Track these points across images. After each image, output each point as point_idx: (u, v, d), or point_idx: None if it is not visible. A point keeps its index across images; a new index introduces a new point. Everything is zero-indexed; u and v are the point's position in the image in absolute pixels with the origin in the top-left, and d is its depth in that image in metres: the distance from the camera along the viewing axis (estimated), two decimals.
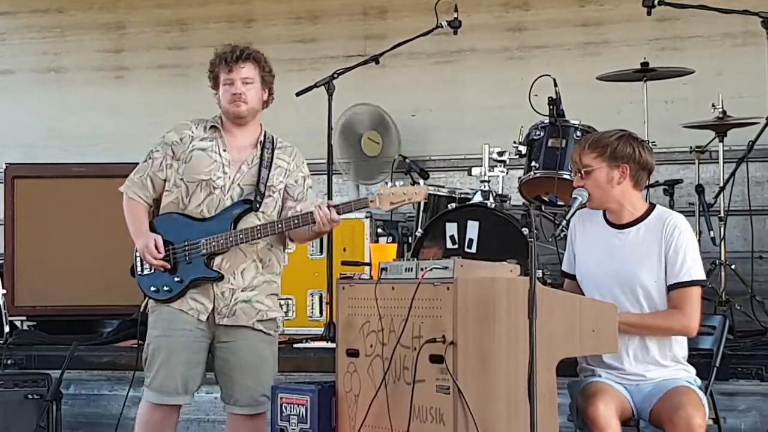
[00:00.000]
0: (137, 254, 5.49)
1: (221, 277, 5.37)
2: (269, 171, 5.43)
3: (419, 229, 7.28)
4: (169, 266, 5.39)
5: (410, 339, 4.82)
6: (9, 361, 7.26)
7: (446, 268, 4.77)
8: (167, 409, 5.42)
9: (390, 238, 7.93)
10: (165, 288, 5.42)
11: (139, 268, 5.51)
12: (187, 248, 5.39)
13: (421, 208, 7.46)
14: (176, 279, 5.40)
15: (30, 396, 6.65)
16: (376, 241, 7.76)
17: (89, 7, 10.03)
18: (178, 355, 5.37)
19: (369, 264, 6.22)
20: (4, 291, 7.62)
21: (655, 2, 7.10)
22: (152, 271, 5.44)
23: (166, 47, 9.78)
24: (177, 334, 5.38)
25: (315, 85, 7.39)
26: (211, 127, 5.50)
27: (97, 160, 8.76)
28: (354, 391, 5.11)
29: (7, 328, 7.59)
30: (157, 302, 5.47)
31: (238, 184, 5.41)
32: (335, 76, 7.39)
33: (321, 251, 7.98)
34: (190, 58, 9.71)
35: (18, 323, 8.18)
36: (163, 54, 9.77)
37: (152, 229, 5.47)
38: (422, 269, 4.82)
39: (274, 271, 5.51)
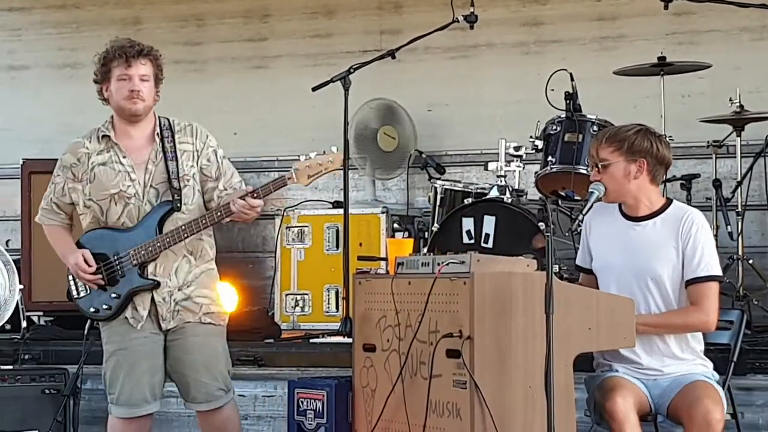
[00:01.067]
0: (70, 276, 5.39)
1: (157, 285, 5.26)
2: (176, 162, 5.28)
3: (435, 224, 7.27)
4: (102, 282, 5.29)
5: (427, 334, 4.82)
6: (26, 356, 7.26)
7: (463, 262, 4.77)
8: (139, 420, 5.34)
9: (406, 233, 7.93)
10: (104, 306, 5.33)
11: (74, 291, 5.41)
12: (117, 261, 5.28)
13: (438, 203, 7.46)
14: (113, 295, 5.30)
15: (47, 391, 6.65)
16: (393, 236, 7.77)
17: (105, 2, 10.02)
18: (140, 364, 5.29)
19: (385, 259, 6.22)
20: (21, 286, 7.62)
21: None
22: (88, 291, 5.35)
23: (182, 43, 9.77)
24: (133, 344, 5.29)
25: (331, 80, 7.38)
26: (104, 136, 5.36)
27: None
28: (371, 385, 5.11)
29: (24, 324, 7.59)
30: (102, 321, 5.38)
31: (151, 186, 5.28)
32: (351, 71, 7.37)
33: (337, 246, 7.99)
34: (205, 53, 9.71)
35: (35, 318, 8.20)
36: (179, 49, 9.75)
37: (80, 247, 5.35)
38: (439, 264, 4.82)
39: (207, 259, 5.40)
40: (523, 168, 7.25)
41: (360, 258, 6.43)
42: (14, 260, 7.70)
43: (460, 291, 4.69)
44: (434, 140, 9.10)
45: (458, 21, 7.53)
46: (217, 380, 5.33)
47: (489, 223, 6.90)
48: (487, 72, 9.13)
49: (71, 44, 10.09)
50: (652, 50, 7.94)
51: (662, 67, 7.67)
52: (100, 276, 5.28)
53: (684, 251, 5.05)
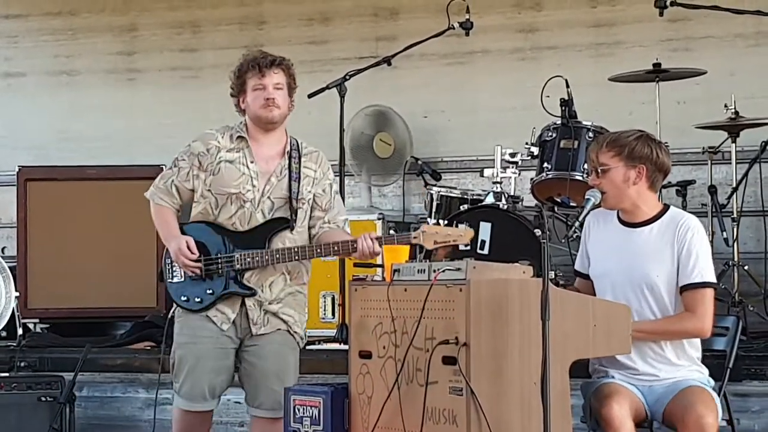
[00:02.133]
0: (168, 259, 5.48)
1: (254, 293, 5.39)
2: (299, 183, 5.43)
3: None
4: (199, 272, 5.38)
5: (423, 341, 4.81)
6: (22, 364, 7.27)
7: (459, 269, 4.77)
8: (198, 414, 5.48)
9: None
10: (196, 299, 5.43)
11: (168, 275, 5.50)
12: (220, 260, 5.39)
13: (434, 209, 7.46)
14: (208, 291, 5.41)
15: (43, 398, 6.66)
16: None
17: (101, 9, 10.04)
18: (204, 362, 5.41)
19: (381, 266, 6.22)
20: (17, 293, 7.63)
21: (668, 3, 7.09)
22: (183, 279, 5.44)
23: (178, 49, 9.79)
24: (202, 341, 5.41)
25: (327, 87, 7.39)
26: (238, 137, 5.48)
27: (110, 162, 8.77)
28: (367, 392, 5.10)
29: (20, 331, 7.59)
30: (184, 310, 5.48)
31: (268, 197, 5.42)
32: (347, 77, 7.38)
33: None
34: (202, 60, 9.72)
35: (31, 326, 8.20)
36: (175, 56, 9.78)
37: (183, 233, 5.46)
38: (435, 271, 4.82)
39: (301, 282, 5.53)
40: (519, 174, 7.24)
41: (356, 265, 6.44)
42: (10, 267, 7.71)
43: (456, 298, 4.69)
44: (430, 147, 9.11)
45: (454, 28, 7.54)
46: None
47: (485, 230, 6.89)
48: (482, 78, 9.14)
49: (67, 51, 10.10)
50: (647, 57, 7.95)
51: (657, 73, 7.68)
52: (199, 265, 5.37)
53: (680, 256, 5.05)
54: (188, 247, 5.36)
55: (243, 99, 5.49)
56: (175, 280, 5.47)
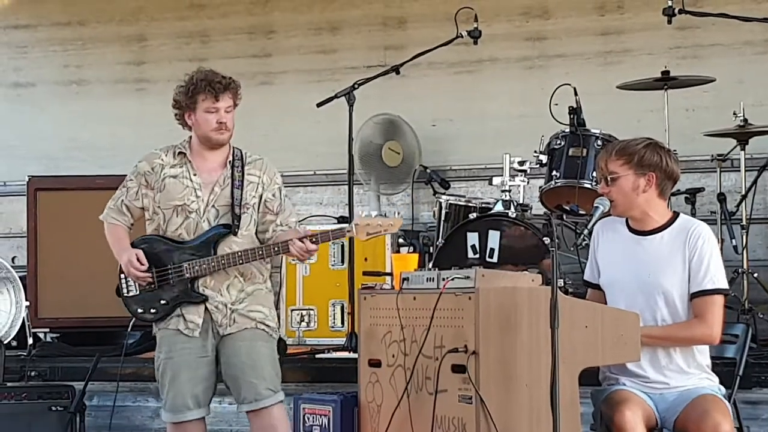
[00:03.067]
0: (122, 274, 5.64)
1: (205, 299, 5.52)
2: (242, 190, 5.58)
3: (440, 239, 7.28)
4: (150, 281, 5.54)
5: (432, 349, 4.82)
6: (33, 373, 7.29)
7: (468, 277, 4.77)
8: (186, 425, 5.57)
9: (411, 248, 7.92)
10: (151, 310, 5.60)
11: (124, 289, 5.66)
12: (170, 271, 5.54)
13: (443, 217, 7.47)
14: (162, 301, 5.57)
15: (54, 408, 6.67)
16: (398, 251, 7.76)
17: (110, 19, 10.07)
18: (181, 374, 5.53)
19: (390, 274, 6.23)
20: (27, 303, 7.65)
21: (676, 11, 7.09)
22: (138, 292, 5.61)
23: (187, 59, 9.79)
24: (178, 354, 5.55)
25: (336, 96, 7.39)
26: (179, 153, 5.66)
27: (119, 172, 8.67)
28: (376, 401, 5.11)
29: (30, 340, 7.61)
30: (149, 323, 5.66)
31: (213, 206, 5.58)
32: (356, 86, 7.38)
33: (342, 262, 8.00)
34: None
35: (41, 335, 8.21)
36: (184, 66, 9.69)
37: (134, 247, 5.61)
38: (444, 279, 4.83)
39: (257, 281, 5.64)
40: (528, 182, 7.24)
41: (365, 273, 6.46)
42: (20, 277, 7.72)
43: (465, 306, 4.70)
44: (439, 155, 9.11)
45: (462, 36, 7.54)
46: (264, 380, 5.50)
47: (494, 238, 6.89)
48: (491, 87, 9.15)
49: (77, 61, 10.14)
50: (655, 64, 7.95)
51: (666, 81, 7.68)
52: (149, 275, 5.54)
53: (690, 263, 5.04)
54: (138, 259, 5.53)
55: (190, 115, 5.64)
56: (131, 293, 5.64)
